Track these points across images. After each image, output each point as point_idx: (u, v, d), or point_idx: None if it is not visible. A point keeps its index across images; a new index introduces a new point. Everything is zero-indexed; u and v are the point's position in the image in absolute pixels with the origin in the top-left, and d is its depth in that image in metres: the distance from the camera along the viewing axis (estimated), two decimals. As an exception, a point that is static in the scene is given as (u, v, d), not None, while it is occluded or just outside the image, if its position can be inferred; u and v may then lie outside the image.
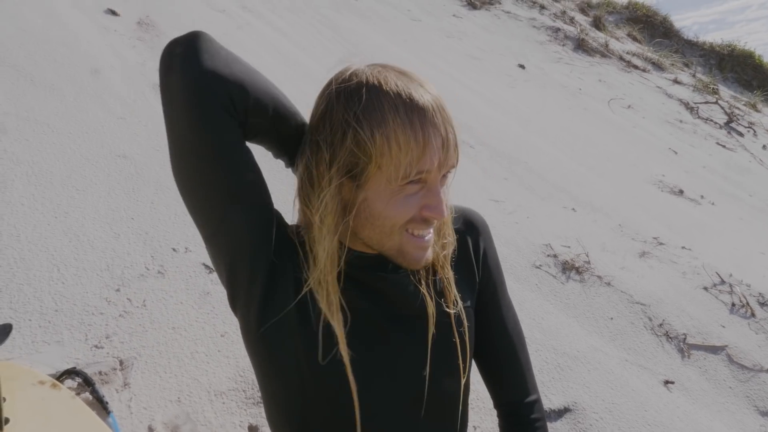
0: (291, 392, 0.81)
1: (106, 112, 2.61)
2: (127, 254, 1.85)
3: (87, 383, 1.39)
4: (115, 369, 1.48)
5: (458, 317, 0.84)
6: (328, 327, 0.76)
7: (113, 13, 3.67)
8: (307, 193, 0.76)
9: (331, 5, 5.82)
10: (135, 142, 2.46)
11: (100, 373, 1.46)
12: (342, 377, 0.77)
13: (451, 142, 0.71)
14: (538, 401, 0.92)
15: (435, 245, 0.82)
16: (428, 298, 0.81)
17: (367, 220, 0.74)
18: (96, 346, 1.52)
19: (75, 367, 1.41)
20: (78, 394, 1.36)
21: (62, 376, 1.38)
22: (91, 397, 1.37)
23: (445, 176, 0.75)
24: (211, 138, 0.71)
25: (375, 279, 0.81)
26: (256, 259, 0.77)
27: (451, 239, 0.85)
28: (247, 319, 0.80)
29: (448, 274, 0.84)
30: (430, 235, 0.78)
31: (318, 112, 0.75)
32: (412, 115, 0.68)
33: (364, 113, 0.69)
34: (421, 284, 0.82)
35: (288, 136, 0.81)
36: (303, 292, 0.76)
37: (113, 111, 2.63)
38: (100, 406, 1.35)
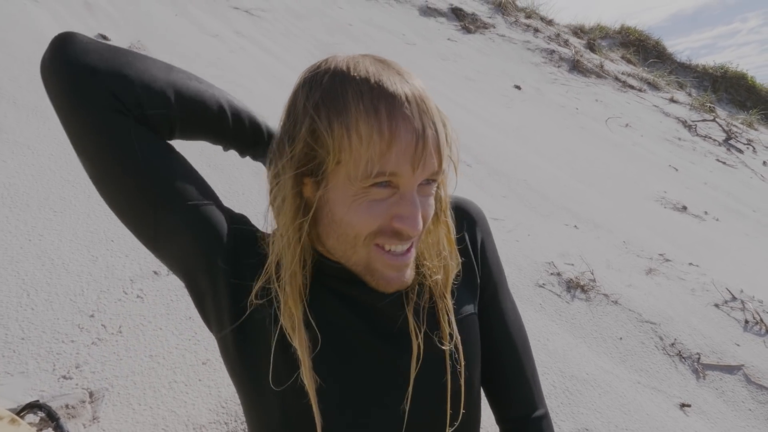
0: (271, 419, 0.70)
1: (90, 133, 2.53)
2: (104, 278, 1.74)
3: (51, 418, 1.26)
4: (83, 401, 1.35)
5: (453, 355, 0.71)
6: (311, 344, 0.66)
7: (104, 38, 3.64)
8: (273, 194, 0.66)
9: (325, 30, 5.83)
10: (119, 163, 2.38)
11: (66, 406, 1.33)
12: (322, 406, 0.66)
13: (428, 140, 0.58)
14: (546, 416, 0.79)
15: (426, 268, 0.70)
16: (413, 330, 0.68)
17: (330, 227, 0.63)
18: (64, 377, 1.40)
19: (38, 401, 1.29)
20: (40, 430, 1.24)
21: (23, 411, 1.26)
22: (54, 433, 1.24)
23: (429, 185, 0.63)
24: (106, 141, 0.62)
25: (360, 292, 0.69)
26: (213, 267, 0.66)
27: (453, 263, 0.71)
28: (223, 336, 0.70)
29: (448, 305, 0.71)
30: (407, 253, 0.65)
31: (286, 105, 0.65)
32: (379, 103, 0.56)
33: (324, 100, 0.59)
34: (408, 307, 0.69)
35: (216, 122, 0.70)
36: (248, 301, 0.66)
37: (98, 132, 2.56)
38: (64, 443, 1.23)
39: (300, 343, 0.63)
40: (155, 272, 1.83)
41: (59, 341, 1.49)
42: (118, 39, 3.69)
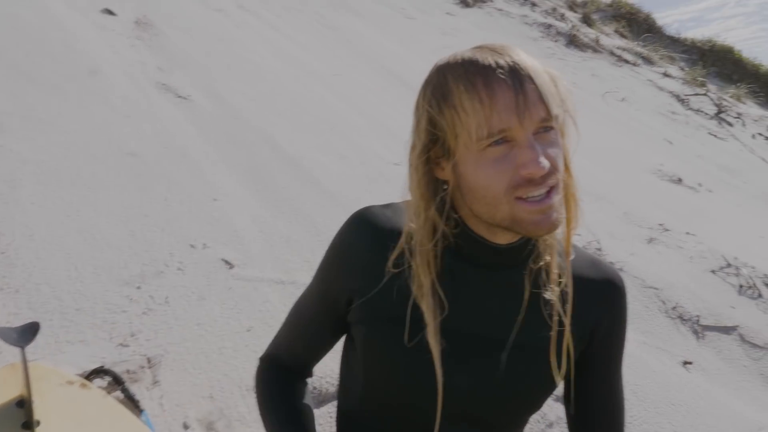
0: (395, 373, 0.79)
1: (110, 110, 2.57)
2: (144, 251, 1.82)
3: (117, 382, 1.35)
4: (143, 367, 1.45)
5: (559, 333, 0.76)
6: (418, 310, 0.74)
7: (110, 12, 3.62)
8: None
9: (327, 4, 5.79)
10: (142, 140, 2.42)
11: (128, 371, 1.43)
12: (428, 365, 0.74)
13: (528, 92, 0.64)
14: None
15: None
16: (527, 284, 0.76)
17: (471, 195, 0.70)
18: (121, 345, 1.49)
19: (103, 366, 1.38)
20: (108, 393, 1.33)
21: (91, 376, 1.35)
22: (122, 395, 1.33)
23: (547, 133, 0.67)
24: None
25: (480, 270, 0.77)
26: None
27: (573, 216, 0.73)
28: (364, 301, 0.78)
29: (552, 264, 0.75)
30: (547, 198, 0.67)
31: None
32: (475, 78, 0.65)
33: (434, 93, 0.69)
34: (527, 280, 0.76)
35: None
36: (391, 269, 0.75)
37: (118, 109, 2.59)
38: (132, 404, 1.32)
39: (427, 308, 0.72)
40: (191, 245, 1.91)
41: (112, 312, 1.57)
42: (124, 13, 3.68)
